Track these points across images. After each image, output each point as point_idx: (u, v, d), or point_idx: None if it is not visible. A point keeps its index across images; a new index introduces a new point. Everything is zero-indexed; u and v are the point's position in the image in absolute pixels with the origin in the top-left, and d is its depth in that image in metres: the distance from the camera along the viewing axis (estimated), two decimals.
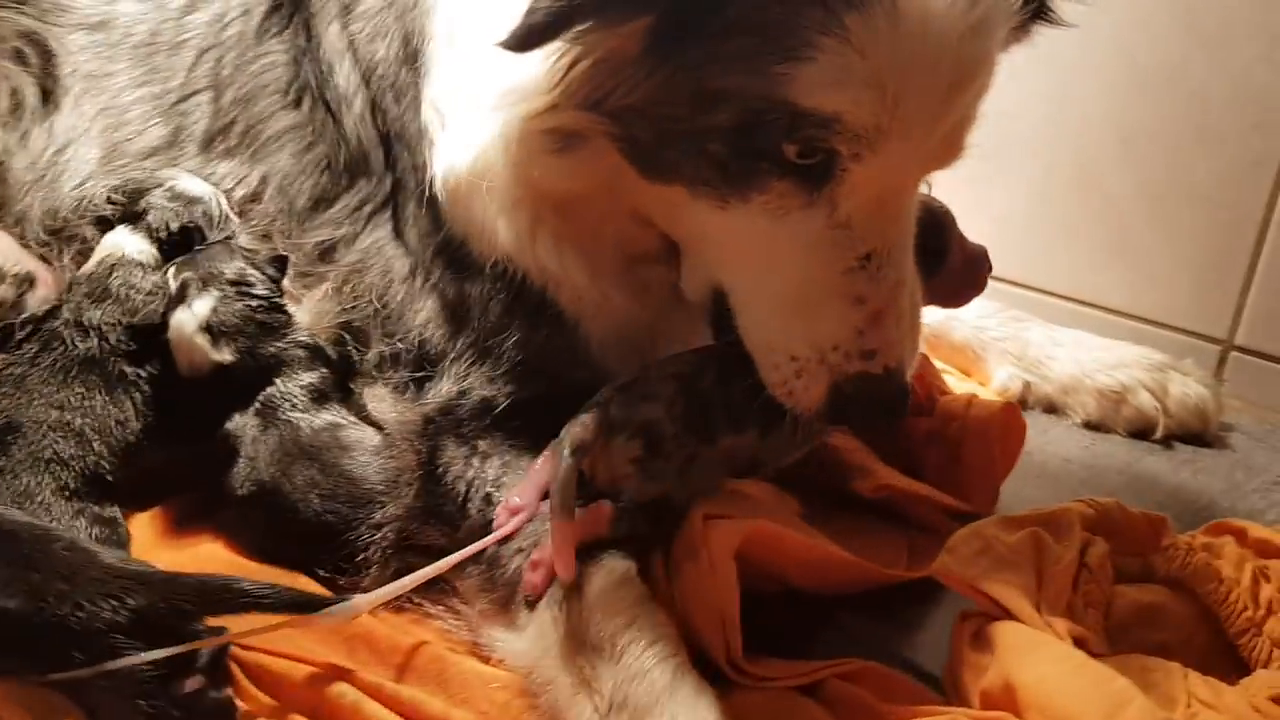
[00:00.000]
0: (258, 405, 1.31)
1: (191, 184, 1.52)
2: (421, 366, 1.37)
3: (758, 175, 1.12)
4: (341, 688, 1.10)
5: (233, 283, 1.35)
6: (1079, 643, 1.14)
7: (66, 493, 1.27)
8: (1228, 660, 1.23)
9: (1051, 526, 1.24)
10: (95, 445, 1.30)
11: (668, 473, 1.19)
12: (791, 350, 1.17)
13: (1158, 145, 1.83)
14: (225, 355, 1.32)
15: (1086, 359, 1.75)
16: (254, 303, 1.35)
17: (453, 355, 1.34)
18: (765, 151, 1.10)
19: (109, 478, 1.31)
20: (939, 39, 1.05)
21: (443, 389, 1.33)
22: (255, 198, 1.51)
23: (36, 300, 1.45)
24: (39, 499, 1.25)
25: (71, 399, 1.32)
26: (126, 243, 1.47)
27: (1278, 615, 1.25)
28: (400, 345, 1.39)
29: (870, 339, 1.15)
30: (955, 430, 1.47)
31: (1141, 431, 1.72)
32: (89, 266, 1.45)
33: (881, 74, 1.04)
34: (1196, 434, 1.72)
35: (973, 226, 1.98)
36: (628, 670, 1.06)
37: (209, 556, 1.27)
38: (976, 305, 1.82)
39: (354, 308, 1.44)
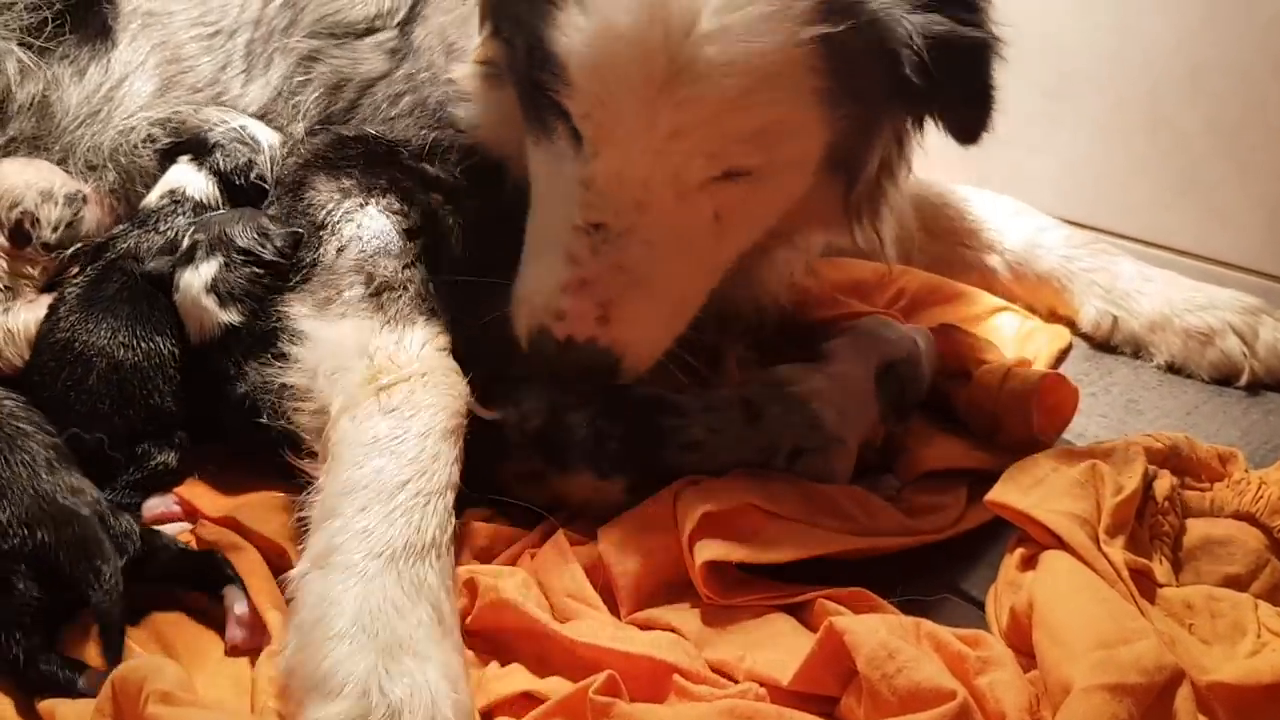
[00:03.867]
0: None
1: (259, 129, 1.54)
2: None
3: (545, 111, 1.19)
4: None
5: (241, 251, 1.34)
6: (1140, 574, 1.11)
7: (124, 429, 1.29)
8: None
9: (1113, 459, 1.20)
10: (154, 380, 1.32)
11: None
12: (517, 283, 1.26)
13: (1230, 77, 1.75)
14: (233, 316, 1.32)
15: (1177, 297, 1.68)
16: (259, 270, 1.34)
17: None
18: (543, 84, 1.16)
19: (171, 410, 1.33)
20: (661, 23, 1.07)
21: None
22: None
23: (91, 219, 1.47)
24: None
25: (138, 331, 1.33)
26: (190, 180, 1.48)
27: None
28: None
29: (565, 301, 1.19)
30: (990, 404, 1.42)
31: (1226, 377, 1.64)
32: (150, 199, 1.47)
33: (596, 35, 1.10)
34: None
35: (1038, 166, 1.94)
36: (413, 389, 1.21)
37: None
38: (1065, 235, 1.78)
39: None
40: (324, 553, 1.09)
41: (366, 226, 1.37)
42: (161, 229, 1.41)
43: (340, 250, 1.35)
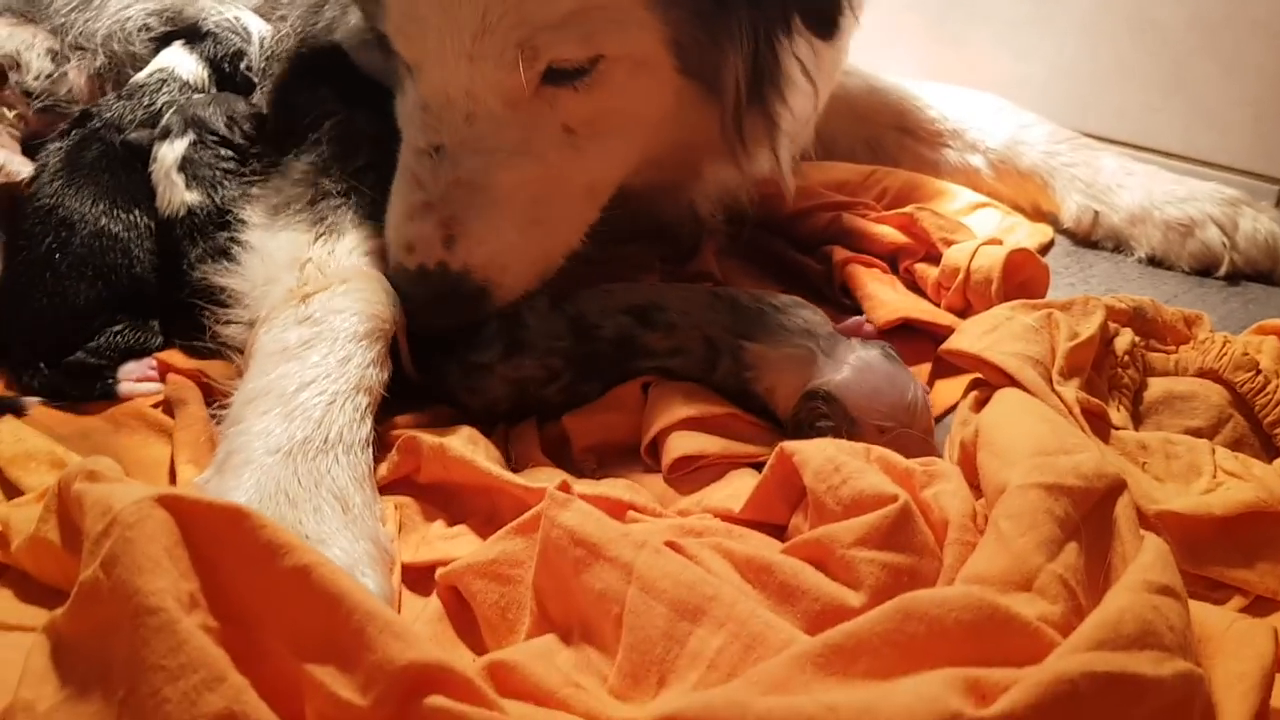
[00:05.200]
0: None
1: (252, 19, 1.59)
2: None
3: (390, 55, 1.21)
4: None
5: (211, 132, 1.38)
6: (1094, 415, 1.11)
7: (107, 296, 1.32)
8: (1262, 451, 1.19)
9: (1072, 310, 1.20)
10: (134, 251, 1.34)
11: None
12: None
13: None
14: (195, 197, 1.34)
15: (1157, 190, 1.68)
16: (224, 152, 1.38)
17: None
18: (373, 19, 1.18)
19: (152, 282, 1.35)
20: None
21: None
22: None
23: (73, 81, 1.51)
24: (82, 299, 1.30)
25: (118, 200, 1.36)
26: (181, 62, 1.52)
27: None
28: None
29: (411, 229, 1.18)
30: (959, 281, 1.43)
31: (1206, 267, 1.64)
32: (140, 76, 1.51)
33: None
34: (1265, 272, 1.64)
35: (1024, 72, 1.94)
36: (331, 295, 1.17)
37: None
38: (1047, 131, 1.77)
39: None
40: (224, 457, 1.07)
41: (329, 131, 1.36)
42: (145, 103, 1.45)
43: (299, 154, 1.35)
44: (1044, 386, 1.07)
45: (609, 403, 1.22)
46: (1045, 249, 1.70)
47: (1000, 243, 1.48)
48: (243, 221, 1.30)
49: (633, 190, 1.34)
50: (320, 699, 0.73)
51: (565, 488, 0.96)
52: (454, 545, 1.06)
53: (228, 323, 1.24)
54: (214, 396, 1.22)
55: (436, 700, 0.72)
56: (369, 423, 1.12)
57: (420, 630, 0.95)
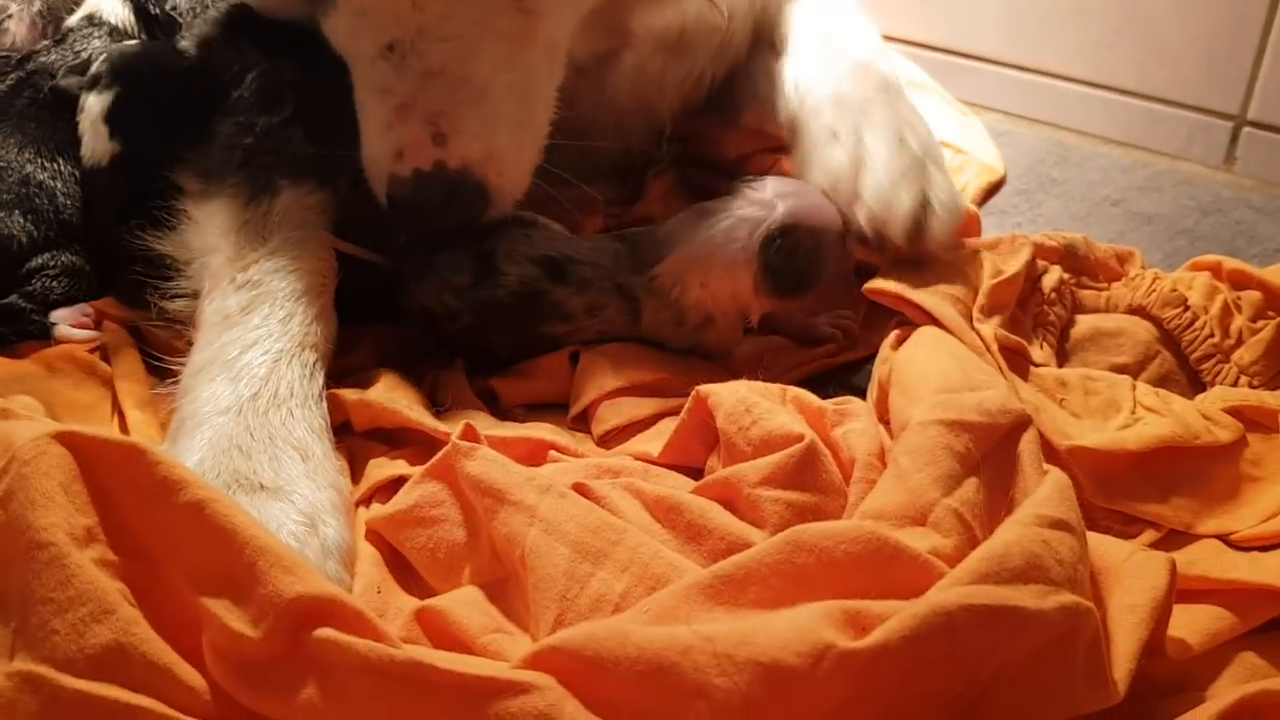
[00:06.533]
0: None
1: None
2: None
3: None
4: None
5: (139, 85, 1.34)
6: (1014, 352, 1.11)
7: (40, 241, 1.31)
8: (1189, 388, 1.20)
9: (999, 248, 1.20)
10: (60, 198, 1.33)
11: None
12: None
13: None
14: (117, 147, 1.31)
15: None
16: (150, 102, 1.33)
17: None
18: None
19: (80, 228, 1.33)
20: None
21: None
22: None
23: (16, 33, 1.51)
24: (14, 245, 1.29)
25: (42, 150, 1.35)
26: (107, 5, 1.50)
27: (1248, 345, 1.21)
28: None
29: (394, 135, 1.12)
30: None
31: None
32: (71, 20, 1.49)
33: None
34: None
35: (981, 9, 1.92)
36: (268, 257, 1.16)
37: None
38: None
39: None
40: (178, 425, 1.06)
41: (250, 85, 1.31)
42: (76, 49, 1.43)
43: (224, 114, 1.30)
44: (962, 324, 1.08)
45: (536, 372, 1.21)
46: (994, 189, 1.70)
47: None
48: (177, 188, 1.27)
49: (580, 68, 1.31)
50: (215, 631, 0.74)
51: (469, 433, 0.96)
52: (386, 469, 1.06)
53: (174, 297, 1.22)
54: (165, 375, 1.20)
55: (325, 632, 0.73)
56: (320, 379, 1.11)
57: (363, 570, 0.96)
